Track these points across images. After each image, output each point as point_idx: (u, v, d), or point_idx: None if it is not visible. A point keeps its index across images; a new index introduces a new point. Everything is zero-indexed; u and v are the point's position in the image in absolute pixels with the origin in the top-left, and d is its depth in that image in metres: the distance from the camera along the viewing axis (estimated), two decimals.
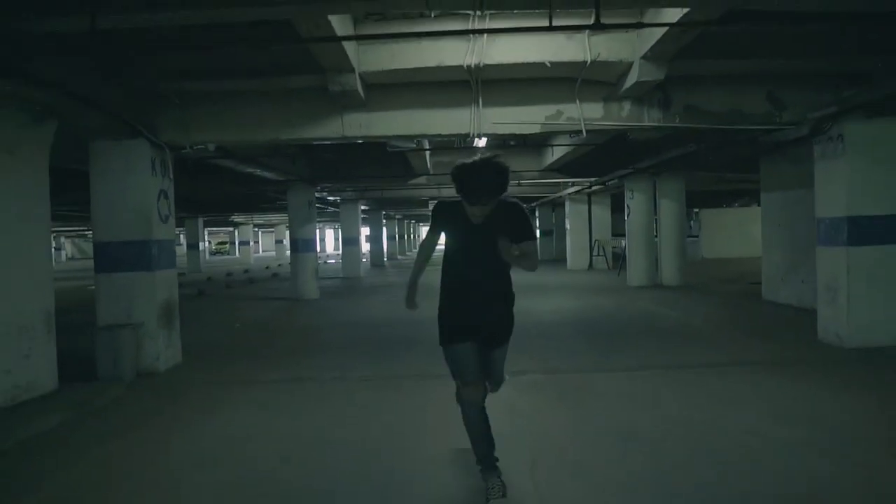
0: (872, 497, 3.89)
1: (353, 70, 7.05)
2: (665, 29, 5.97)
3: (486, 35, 6.90)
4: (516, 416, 5.60)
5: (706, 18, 5.45)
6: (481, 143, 10.06)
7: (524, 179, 18.23)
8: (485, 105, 8.01)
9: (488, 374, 4.08)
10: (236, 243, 53.73)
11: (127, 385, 7.18)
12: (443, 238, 4.11)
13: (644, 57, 6.85)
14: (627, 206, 17.61)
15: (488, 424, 3.98)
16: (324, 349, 9.33)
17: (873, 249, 7.98)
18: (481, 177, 3.56)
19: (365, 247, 31.01)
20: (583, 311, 12.55)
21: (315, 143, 8.98)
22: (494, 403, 4.36)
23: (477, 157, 3.65)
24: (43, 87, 5.90)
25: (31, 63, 5.65)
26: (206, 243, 51.61)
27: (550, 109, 8.02)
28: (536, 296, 14.52)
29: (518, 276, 4.01)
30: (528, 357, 7.60)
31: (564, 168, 16.27)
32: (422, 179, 17.15)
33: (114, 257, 7.82)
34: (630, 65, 7.18)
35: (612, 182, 18.28)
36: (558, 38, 6.93)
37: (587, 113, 7.96)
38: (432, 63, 7.17)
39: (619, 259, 21.76)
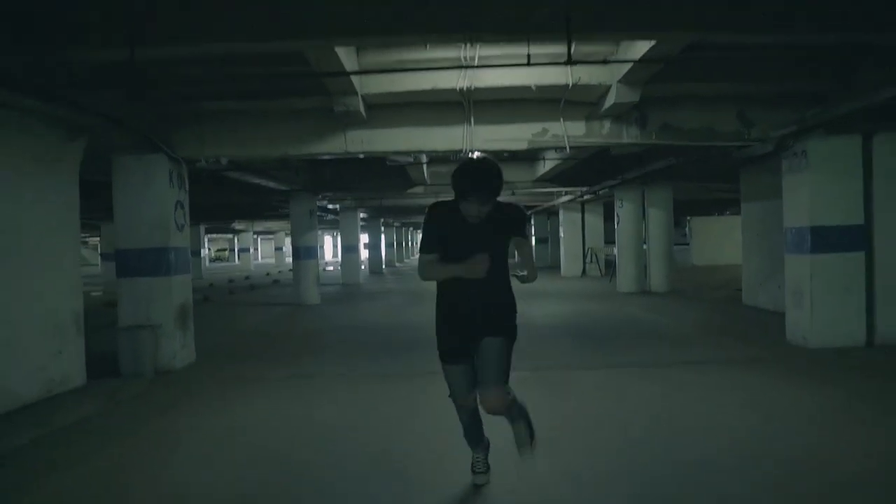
0: (804, 464, 4.53)
1: (356, 93, 7.77)
2: (639, 54, 6.69)
3: (476, 60, 7.59)
4: None
5: (671, 51, 6.15)
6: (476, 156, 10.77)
7: (518, 189, 18.95)
8: (476, 123, 8.73)
9: (481, 377, 3.83)
10: (236, 250, 54.42)
11: (148, 381, 7.83)
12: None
13: (620, 81, 7.56)
14: (617, 215, 18.32)
15: (480, 422, 4.19)
16: (327, 350, 10.00)
17: (834, 257, 8.65)
18: (487, 175, 3.55)
19: (363, 254, 31.68)
20: (572, 315, 13.21)
21: (320, 157, 9.64)
22: None
23: (475, 157, 3.90)
24: (79, 110, 6.58)
25: (70, 88, 6.35)
26: (207, 250, 52.27)
27: (537, 127, 8.74)
28: (529, 301, 15.17)
29: (514, 285, 4.01)
30: (517, 356, 8.23)
31: (556, 178, 16.97)
32: (419, 189, 17.84)
33: (135, 263, 8.48)
34: (608, 87, 7.90)
35: (602, 192, 18.98)
36: (543, 67, 7.65)
37: (570, 130, 8.67)
38: (428, 86, 7.88)
39: (611, 266, 22.44)
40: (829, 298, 8.69)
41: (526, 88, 7.93)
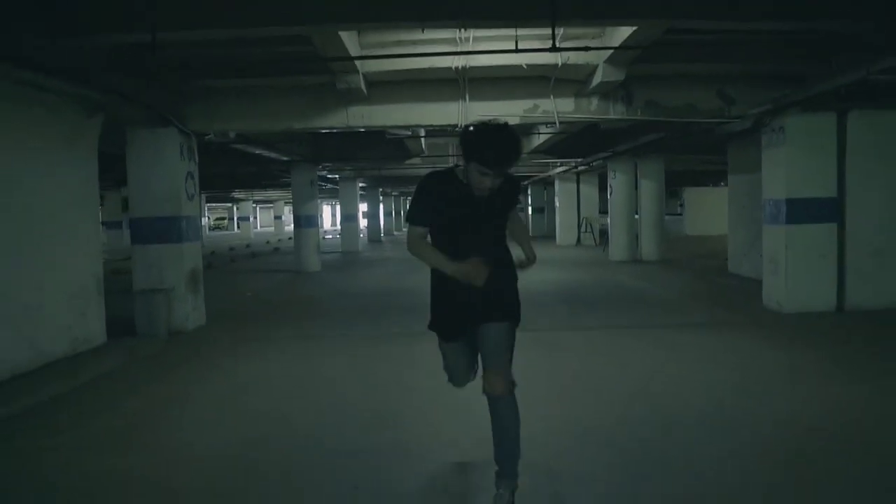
0: (761, 417, 5.09)
1: (357, 71, 8.23)
2: (622, 38, 7.16)
3: (471, 41, 8.04)
4: None
5: (652, 35, 6.63)
6: None
7: None
8: (471, 100, 9.22)
9: (484, 360, 3.49)
10: (235, 219, 54.94)
11: (163, 340, 8.38)
12: None
13: (606, 61, 8.03)
14: (610, 186, 18.82)
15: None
16: (329, 314, 10.57)
17: (807, 227, 9.17)
18: (514, 147, 3.15)
19: (362, 223, 32.20)
20: (565, 282, 13.77)
21: (322, 131, 10.13)
22: None
23: (492, 121, 3.22)
24: (100, 89, 7.05)
25: (91, 68, 6.82)
26: (207, 219, 52.75)
27: (528, 104, 9.23)
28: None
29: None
30: None
31: (551, 150, 17.44)
32: (417, 160, 18.32)
33: (148, 231, 8.99)
34: (595, 67, 8.36)
35: (596, 163, 19.46)
36: (533, 44, 8.08)
37: (560, 107, 9.16)
38: (425, 66, 8.34)
39: (604, 235, 23.00)
40: (803, 267, 9.23)
41: (517, 67, 8.39)
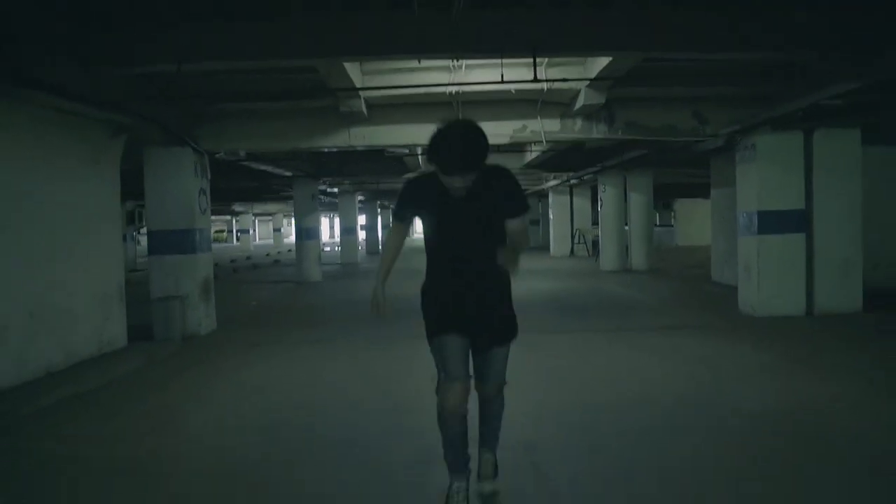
0: (719, 406, 5.75)
1: (359, 96, 8.94)
2: (601, 66, 7.88)
3: (463, 69, 8.75)
4: None
5: (627, 64, 7.35)
6: None
7: None
8: None
9: (482, 375, 3.56)
10: (234, 231, 55.57)
11: (178, 344, 9.03)
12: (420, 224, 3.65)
13: (588, 86, 8.74)
14: (600, 199, 19.55)
15: (465, 434, 3.54)
16: (332, 320, 11.23)
17: (778, 238, 9.85)
18: (460, 140, 3.10)
19: (360, 235, 32.85)
20: (556, 290, 14.43)
21: (326, 150, 10.84)
22: None
23: (453, 119, 3.28)
24: (125, 112, 7.75)
25: (116, 94, 7.52)
26: None
27: (517, 124, 9.96)
28: (517, 279, 16.40)
29: None
30: None
31: (543, 165, 18.16)
32: (414, 174, 19.03)
33: (164, 243, 9.67)
34: (579, 91, 9.07)
35: (587, 177, 20.18)
36: (521, 70, 8.78)
37: (547, 127, 9.88)
38: (422, 90, 9.04)
39: (597, 246, 23.70)
40: (774, 274, 9.91)
41: (507, 91, 9.11)
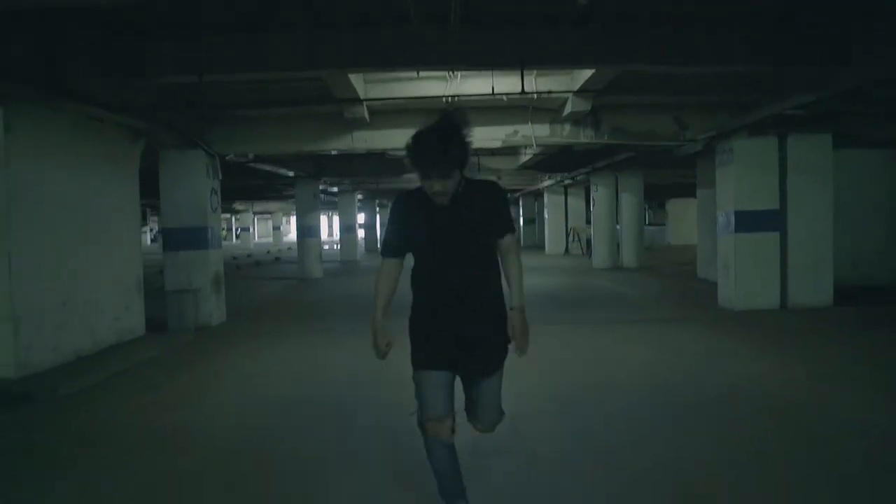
0: (685, 384, 6.40)
1: (362, 103, 9.58)
2: (587, 77, 8.54)
3: (458, 77, 9.40)
4: None
5: (608, 76, 8.01)
6: None
7: (504, 174, 20.80)
8: None
9: (474, 414, 3.38)
10: (233, 230, 56.20)
11: (192, 334, 9.67)
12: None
13: (575, 94, 9.40)
14: (592, 199, 20.23)
15: (457, 461, 3.29)
16: (334, 313, 11.89)
17: (753, 236, 10.51)
18: (435, 140, 2.91)
19: (360, 233, 33.50)
20: (548, 286, 15.09)
21: (329, 153, 11.50)
22: None
23: (428, 125, 3.02)
24: (143, 117, 8.39)
25: (138, 102, 8.17)
26: None
27: (509, 129, 10.63)
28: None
29: None
30: None
31: (537, 166, 18.82)
32: (412, 175, 19.67)
33: (178, 239, 10.32)
34: (567, 98, 9.72)
35: (580, 177, 20.84)
36: (512, 79, 9.43)
37: (537, 132, 10.55)
38: (420, 96, 9.69)
39: (591, 245, 24.37)
40: (750, 270, 10.57)
41: (499, 99, 9.75)
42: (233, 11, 6.87)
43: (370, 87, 9.64)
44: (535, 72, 8.64)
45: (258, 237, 64.96)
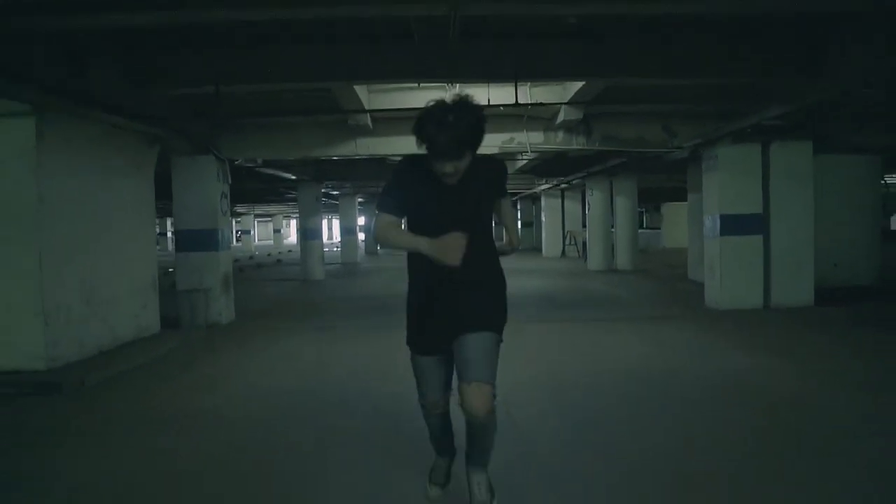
0: (665, 373, 6.91)
1: (366, 112, 10.11)
2: (578, 88, 9.08)
3: (457, 88, 9.91)
4: None
5: (596, 88, 8.55)
6: None
7: None
8: None
9: (459, 371, 3.12)
10: (234, 233, 56.64)
11: (204, 331, 10.17)
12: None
13: (567, 104, 9.93)
14: (588, 203, 20.75)
15: (451, 429, 3.62)
16: (337, 312, 12.40)
17: (738, 239, 11.01)
18: (452, 124, 2.78)
19: (360, 236, 34.00)
20: (544, 287, 15.61)
21: (334, 158, 12.04)
22: None
23: (442, 101, 2.90)
24: (161, 126, 8.91)
25: (156, 110, 8.69)
26: None
27: (505, 136, 11.17)
28: (508, 278, 17.59)
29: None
30: None
31: (534, 170, 19.37)
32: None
33: (190, 241, 10.82)
34: (559, 107, 10.25)
35: (576, 181, 21.37)
36: (508, 89, 9.95)
37: (532, 139, 11.09)
38: (421, 105, 10.19)
39: (587, 247, 24.89)
40: (735, 271, 11.08)
41: (496, 108, 10.27)
42: (247, 30, 7.40)
43: (373, 96, 10.17)
44: (529, 83, 9.17)
45: (258, 240, 65.40)
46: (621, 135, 11.17)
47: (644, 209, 36.77)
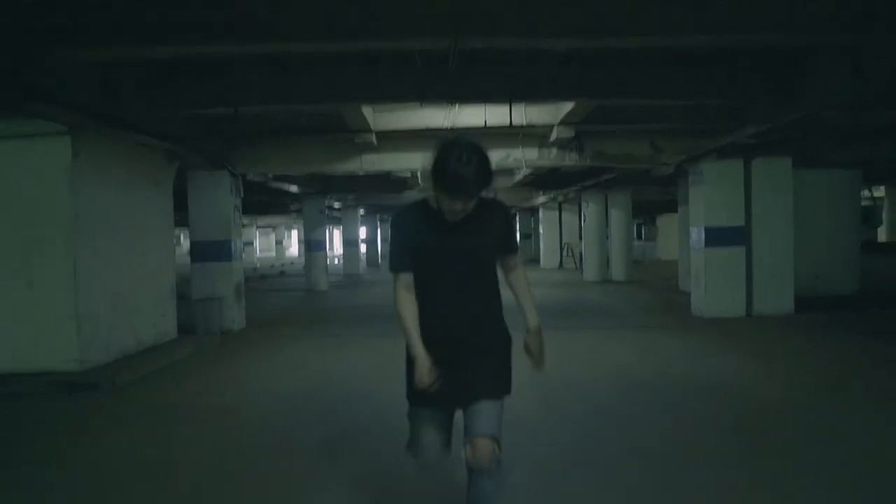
0: (649, 374, 7.52)
1: (371, 130, 10.78)
2: (569, 109, 9.75)
3: (457, 107, 10.60)
4: None
5: (587, 108, 9.22)
6: None
7: (500, 191, 22.00)
8: None
9: (467, 427, 3.06)
10: None
11: (218, 337, 10.78)
12: None
13: (559, 123, 10.59)
14: (584, 215, 21.38)
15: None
16: (342, 320, 13.03)
17: (722, 250, 11.61)
18: (470, 162, 2.76)
19: (362, 248, 34.60)
20: (542, 297, 15.86)
21: (340, 174, 12.70)
22: None
23: (458, 140, 2.87)
24: (179, 143, 9.57)
25: (175, 128, 9.36)
26: None
27: (502, 153, 11.84)
28: (506, 289, 18.24)
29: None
30: None
31: (531, 183, 20.05)
32: (414, 192, 20.94)
33: (204, 252, 11.45)
34: (553, 126, 10.91)
35: (572, 194, 22.00)
36: (504, 109, 10.58)
37: (527, 155, 11.76)
38: (422, 125, 10.88)
39: (583, 259, 25.48)
40: (719, 282, 11.67)
41: (493, 127, 10.96)
42: (263, 57, 8.07)
43: (378, 116, 10.82)
44: (523, 104, 9.85)
45: (260, 251, 65.97)
46: (611, 151, 11.82)
47: (641, 221, 37.41)
